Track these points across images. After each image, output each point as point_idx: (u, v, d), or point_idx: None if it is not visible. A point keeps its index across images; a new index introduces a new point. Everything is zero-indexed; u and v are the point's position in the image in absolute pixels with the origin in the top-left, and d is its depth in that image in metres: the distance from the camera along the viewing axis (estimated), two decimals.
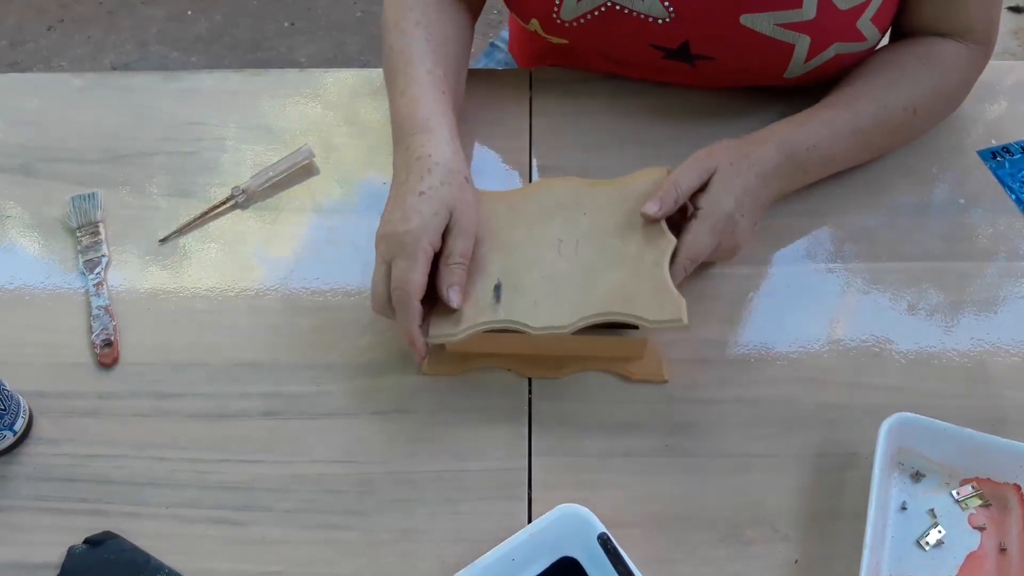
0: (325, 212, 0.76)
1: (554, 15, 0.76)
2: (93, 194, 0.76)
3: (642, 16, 0.73)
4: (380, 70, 0.80)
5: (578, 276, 0.62)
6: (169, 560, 0.57)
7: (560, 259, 0.63)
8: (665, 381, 0.65)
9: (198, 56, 2.10)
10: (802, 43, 0.72)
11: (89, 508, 0.60)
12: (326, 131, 0.82)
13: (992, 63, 0.77)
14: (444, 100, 0.70)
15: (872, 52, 0.76)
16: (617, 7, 0.73)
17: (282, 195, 0.77)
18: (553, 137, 0.80)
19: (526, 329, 0.60)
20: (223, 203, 0.76)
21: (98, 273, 0.71)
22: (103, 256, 0.72)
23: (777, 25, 0.71)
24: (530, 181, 0.77)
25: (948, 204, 0.75)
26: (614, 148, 0.79)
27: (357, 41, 2.11)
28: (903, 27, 0.76)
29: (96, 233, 0.74)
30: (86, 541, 0.58)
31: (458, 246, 0.62)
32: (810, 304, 0.69)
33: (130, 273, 0.72)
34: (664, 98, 0.82)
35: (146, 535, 0.58)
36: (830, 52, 0.73)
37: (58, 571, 0.57)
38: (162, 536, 0.59)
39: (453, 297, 0.61)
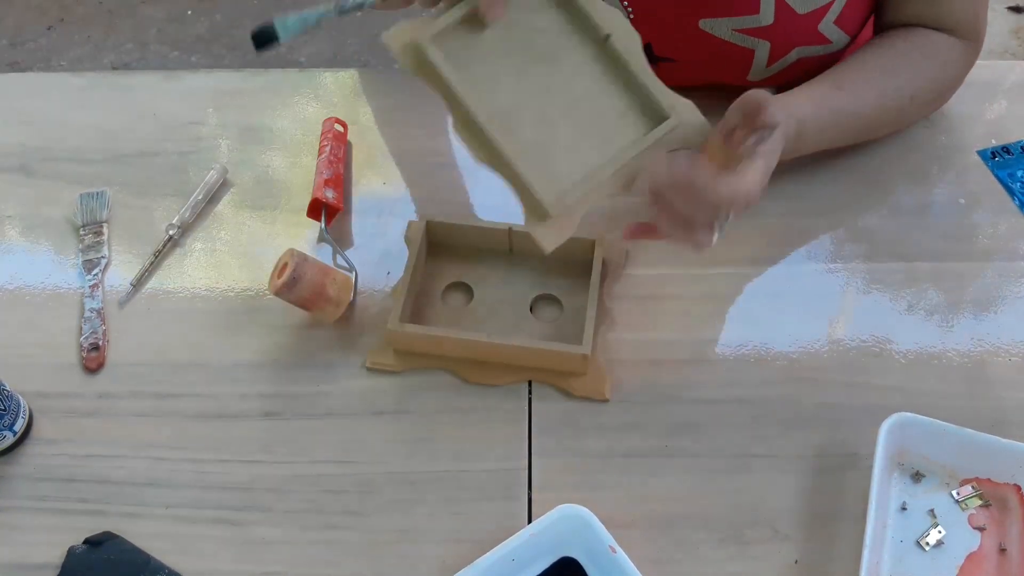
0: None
1: None
2: (102, 192, 0.76)
3: None
4: (379, 70, 0.80)
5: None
6: (169, 560, 0.57)
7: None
8: (606, 400, 0.64)
9: (198, 56, 2.10)
10: (762, 48, 0.72)
11: (89, 508, 0.60)
12: None
13: (992, 63, 0.77)
14: None
15: (841, 54, 0.75)
16: None
17: (282, 195, 0.77)
18: None
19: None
20: (164, 244, 0.73)
21: (95, 274, 0.71)
22: (103, 257, 0.72)
23: (735, 31, 0.71)
24: None
25: (948, 204, 0.75)
26: None
27: (357, 41, 2.11)
28: (886, 23, 0.74)
29: (99, 233, 0.74)
30: (86, 541, 0.58)
31: None
32: (810, 304, 0.69)
33: (130, 273, 0.72)
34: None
35: (146, 535, 0.58)
36: (792, 56, 0.73)
37: (58, 571, 0.57)
38: (162, 536, 0.59)
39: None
